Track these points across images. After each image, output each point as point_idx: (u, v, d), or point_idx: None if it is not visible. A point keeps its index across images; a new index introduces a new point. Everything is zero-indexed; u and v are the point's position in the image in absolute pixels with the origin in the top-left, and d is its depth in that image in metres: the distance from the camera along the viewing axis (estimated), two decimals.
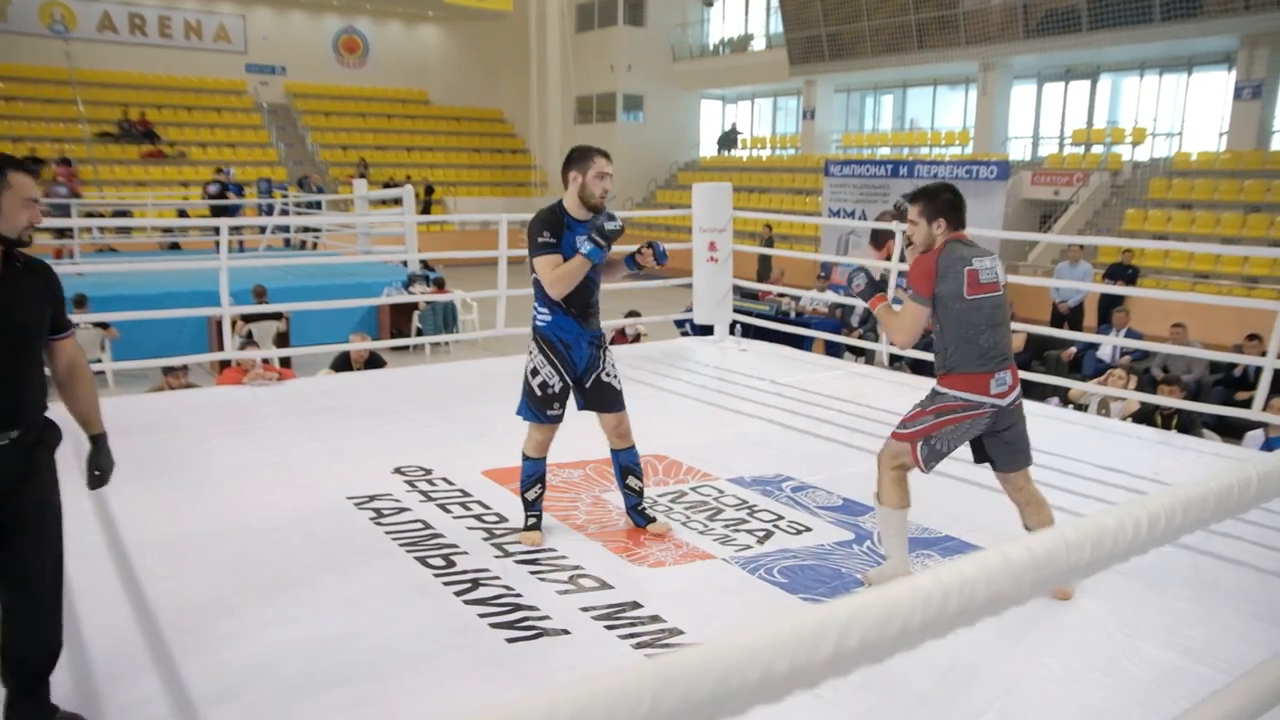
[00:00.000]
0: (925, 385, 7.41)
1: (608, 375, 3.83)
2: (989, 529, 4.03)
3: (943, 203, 3.28)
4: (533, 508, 3.82)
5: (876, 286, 3.52)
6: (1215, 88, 16.89)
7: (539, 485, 3.82)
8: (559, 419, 3.78)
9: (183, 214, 19.26)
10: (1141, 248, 13.48)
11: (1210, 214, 14.61)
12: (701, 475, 4.67)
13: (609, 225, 3.56)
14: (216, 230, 7.11)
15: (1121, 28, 15.98)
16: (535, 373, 3.74)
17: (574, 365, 3.76)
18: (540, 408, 3.74)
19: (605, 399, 3.84)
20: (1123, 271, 12.32)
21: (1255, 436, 6.93)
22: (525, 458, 3.81)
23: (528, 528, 3.79)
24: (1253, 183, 14.72)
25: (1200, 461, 5.16)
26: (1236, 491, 1.41)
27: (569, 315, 3.72)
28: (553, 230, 3.64)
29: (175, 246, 17.24)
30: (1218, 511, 1.38)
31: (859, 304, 10.53)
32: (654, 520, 3.94)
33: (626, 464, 3.93)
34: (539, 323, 3.77)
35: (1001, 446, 3.36)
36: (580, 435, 5.20)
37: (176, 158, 24.20)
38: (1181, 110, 17.54)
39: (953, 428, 3.27)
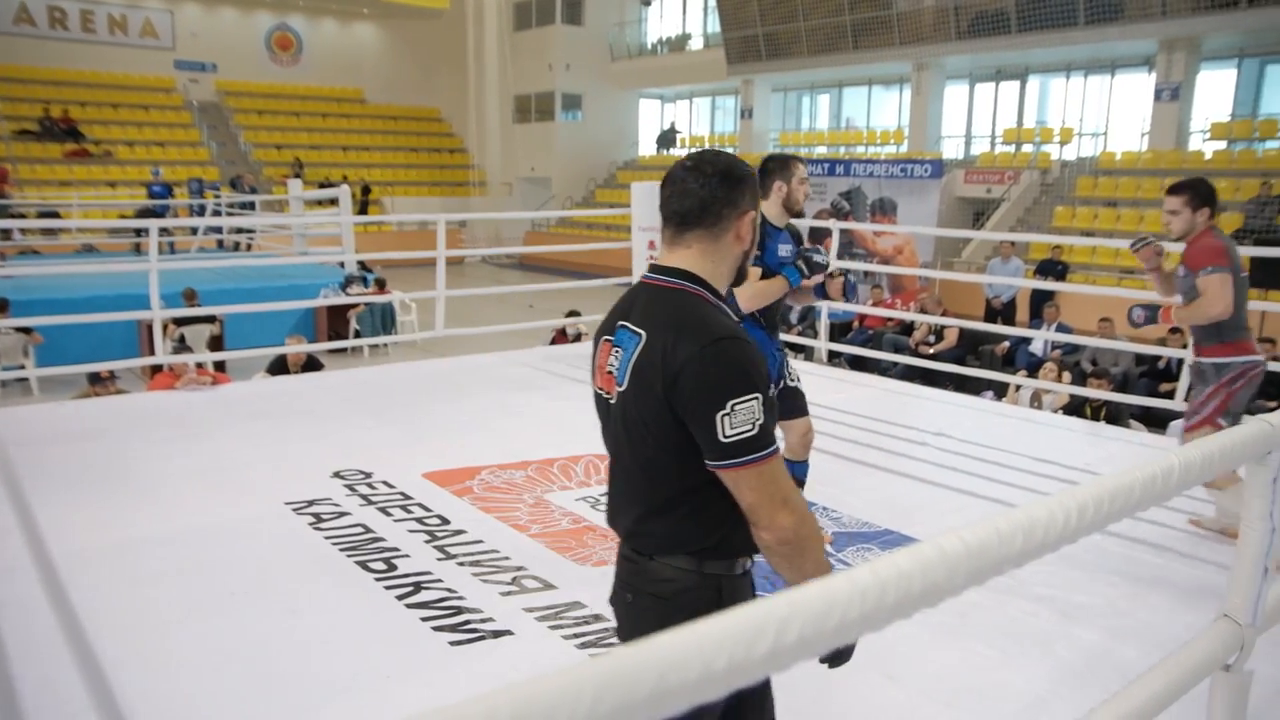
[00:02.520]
0: (863, 381, 7.52)
1: (793, 380, 3.70)
2: (927, 523, 4.10)
3: (1207, 192, 3.66)
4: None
5: (1154, 314, 3.78)
6: (1136, 89, 17.43)
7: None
8: None
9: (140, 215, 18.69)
10: (1070, 244, 13.85)
11: (1134, 211, 15.06)
12: None
13: (817, 259, 3.52)
14: (138, 232, 6.91)
15: (1048, 30, 16.40)
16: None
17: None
18: None
19: (794, 405, 3.67)
20: (1053, 267, 12.65)
21: (1178, 426, 7.16)
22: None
23: None
24: (1172, 181, 15.17)
25: (1127, 452, 5.32)
26: (1160, 480, 1.46)
27: (760, 326, 3.59)
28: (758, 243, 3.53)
29: (90, 249, 16.69)
30: (1143, 499, 1.43)
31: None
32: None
33: (799, 476, 3.70)
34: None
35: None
36: (522, 437, 5.19)
37: (102, 157, 23.51)
38: (1106, 111, 18.06)
39: (1245, 390, 3.65)
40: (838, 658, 1.72)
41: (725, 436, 1.56)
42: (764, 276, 3.56)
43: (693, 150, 1.79)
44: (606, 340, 1.76)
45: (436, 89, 29.84)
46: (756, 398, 1.57)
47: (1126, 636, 3.06)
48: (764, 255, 3.59)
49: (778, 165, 3.66)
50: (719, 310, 1.67)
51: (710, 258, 1.70)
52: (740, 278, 1.80)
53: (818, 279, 3.61)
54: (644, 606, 1.75)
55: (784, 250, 3.59)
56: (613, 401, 1.72)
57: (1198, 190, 3.62)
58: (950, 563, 1.04)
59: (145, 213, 16.45)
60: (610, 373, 1.72)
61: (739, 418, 1.56)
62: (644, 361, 1.63)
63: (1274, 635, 2.69)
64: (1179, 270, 3.76)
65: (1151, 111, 16.47)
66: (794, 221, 3.70)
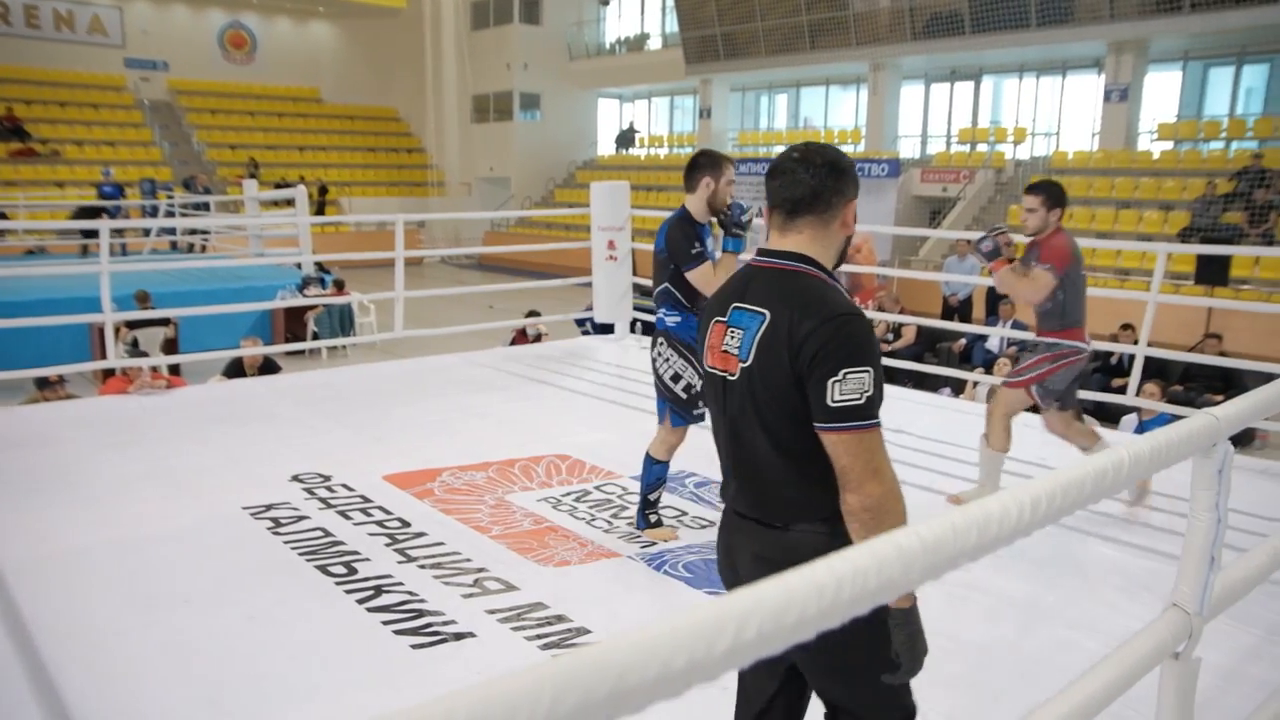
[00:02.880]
0: None
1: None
2: None
3: (1060, 193, 3.95)
4: (654, 507, 3.87)
5: (1000, 251, 4.04)
6: (1087, 90, 17.75)
7: (662, 487, 3.90)
8: (704, 418, 3.76)
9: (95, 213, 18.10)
10: (1025, 242, 14.03)
11: (1086, 210, 15.34)
12: (605, 474, 4.68)
13: (745, 217, 3.68)
14: (85, 234, 6.77)
15: (1001, 31, 16.65)
16: (678, 378, 3.77)
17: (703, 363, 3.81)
18: (689, 409, 3.79)
19: None
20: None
21: (1129, 420, 7.32)
22: (654, 461, 3.82)
23: (654, 525, 3.87)
24: (1122, 180, 15.52)
25: None
26: (1110, 473, 1.48)
27: (696, 314, 3.66)
28: (699, 239, 3.69)
29: (41, 250, 16.31)
30: (1095, 492, 1.45)
31: None
32: None
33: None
34: (670, 325, 3.79)
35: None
36: (483, 439, 5.17)
37: (50, 156, 22.99)
38: (1058, 111, 18.37)
39: (1065, 370, 4.00)
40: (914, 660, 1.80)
41: (833, 401, 1.69)
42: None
43: (799, 144, 1.92)
44: (719, 322, 1.87)
45: (394, 88, 29.60)
46: (869, 371, 1.70)
47: (1079, 627, 3.12)
48: (707, 250, 3.72)
49: (709, 162, 3.71)
50: (836, 290, 1.80)
51: (820, 242, 1.85)
52: (840, 260, 1.92)
53: (753, 232, 3.80)
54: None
55: (710, 242, 3.76)
56: (732, 378, 1.82)
57: (1052, 192, 3.94)
58: (906, 558, 1.05)
59: (83, 213, 16.03)
60: (728, 352, 1.83)
61: (849, 385, 1.69)
62: (769, 337, 1.75)
63: (1220, 623, 2.75)
64: (1031, 258, 4.07)
65: (1101, 112, 16.79)
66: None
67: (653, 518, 3.88)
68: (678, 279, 3.72)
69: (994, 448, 4.13)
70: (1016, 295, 4.22)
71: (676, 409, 3.79)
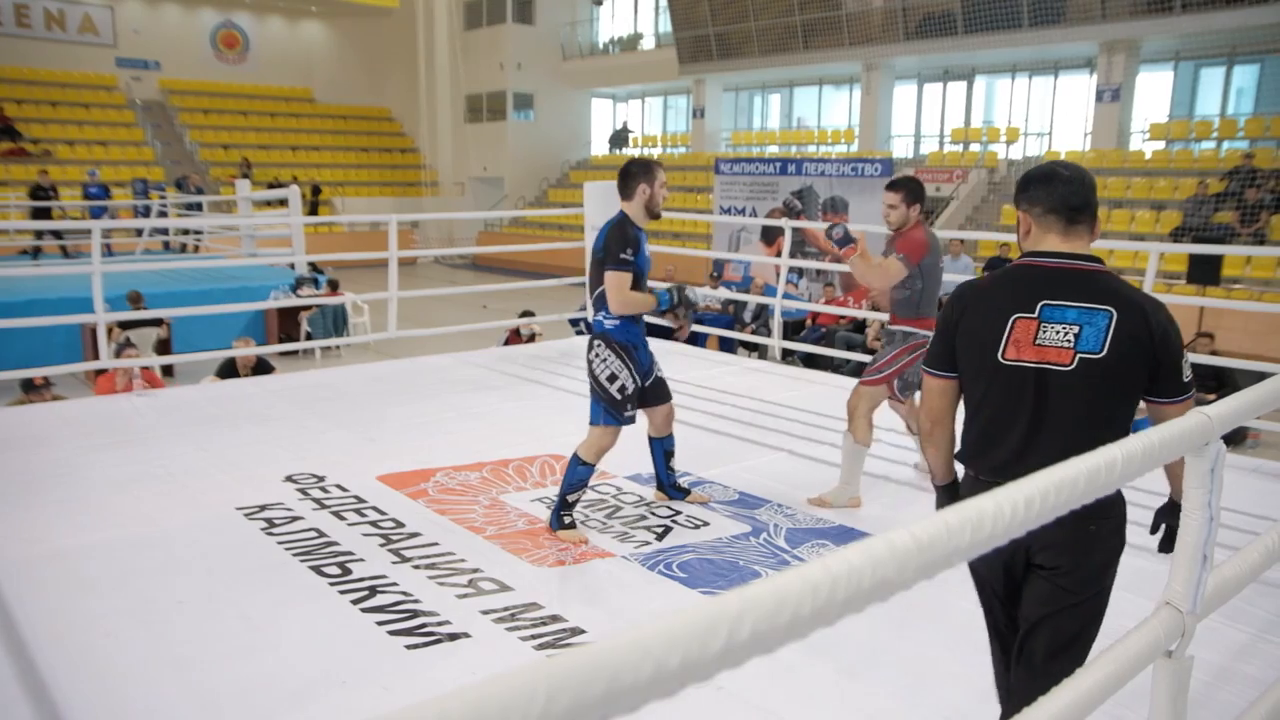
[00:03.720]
0: (815, 379, 7.61)
1: (659, 370, 4.13)
2: (881, 519, 4.15)
3: (919, 190, 4.17)
4: (570, 509, 3.88)
5: (851, 238, 4.11)
6: (1079, 90, 17.79)
7: (583, 490, 3.93)
8: (633, 420, 3.93)
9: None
10: (1018, 241, 14.10)
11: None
12: (599, 474, 4.68)
13: (692, 301, 4.07)
14: (39, 234, 6.74)
15: (994, 32, 16.69)
16: (614, 378, 3.86)
17: (641, 365, 3.93)
18: (620, 410, 3.87)
19: (662, 392, 4.13)
20: (1001, 264, 12.86)
21: None
22: (581, 463, 3.85)
23: (567, 526, 3.85)
24: (1114, 180, 15.57)
25: None
26: (1104, 471, 1.49)
27: (635, 321, 3.94)
28: (633, 247, 3.80)
29: (38, 251, 16.20)
30: (1088, 491, 1.46)
31: (751, 300, 10.71)
32: (689, 491, 4.31)
33: (669, 448, 4.26)
34: (609, 327, 3.88)
35: None
36: (476, 439, 5.16)
37: (41, 156, 22.89)
38: (1050, 111, 18.42)
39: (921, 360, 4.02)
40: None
41: (1186, 377, 2.07)
42: (635, 277, 3.82)
43: (1057, 161, 2.24)
44: (1025, 318, 2.07)
45: (387, 88, 29.55)
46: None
47: None
48: (638, 258, 3.81)
49: (641, 169, 3.85)
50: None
51: (1090, 244, 2.15)
52: None
53: (683, 325, 4.19)
54: (1107, 531, 2.17)
55: (647, 251, 3.90)
56: (1065, 368, 2.04)
57: (911, 189, 4.14)
58: (900, 557, 1.05)
59: (37, 214, 15.90)
60: (1051, 345, 2.04)
61: (1188, 364, 2.08)
62: (1126, 330, 2.02)
63: (1212, 622, 2.76)
64: (889, 249, 4.19)
65: (1093, 112, 16.84)
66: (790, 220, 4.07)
67: (567, 519, 3.87)
68: None
69: (859, 440, 4.25)
70: (867, 282, 4.40)
71: (610, 410, 3.85)
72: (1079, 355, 2.03)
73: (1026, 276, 2.12)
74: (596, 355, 3.87)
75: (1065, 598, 2.13)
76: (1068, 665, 1.96)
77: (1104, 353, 2.02)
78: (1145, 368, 2.04)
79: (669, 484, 4.28)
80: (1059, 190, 2.09)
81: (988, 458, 2.16)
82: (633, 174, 3.83)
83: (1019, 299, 2.08)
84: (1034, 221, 2.15)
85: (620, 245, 3.76)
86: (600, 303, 3.86)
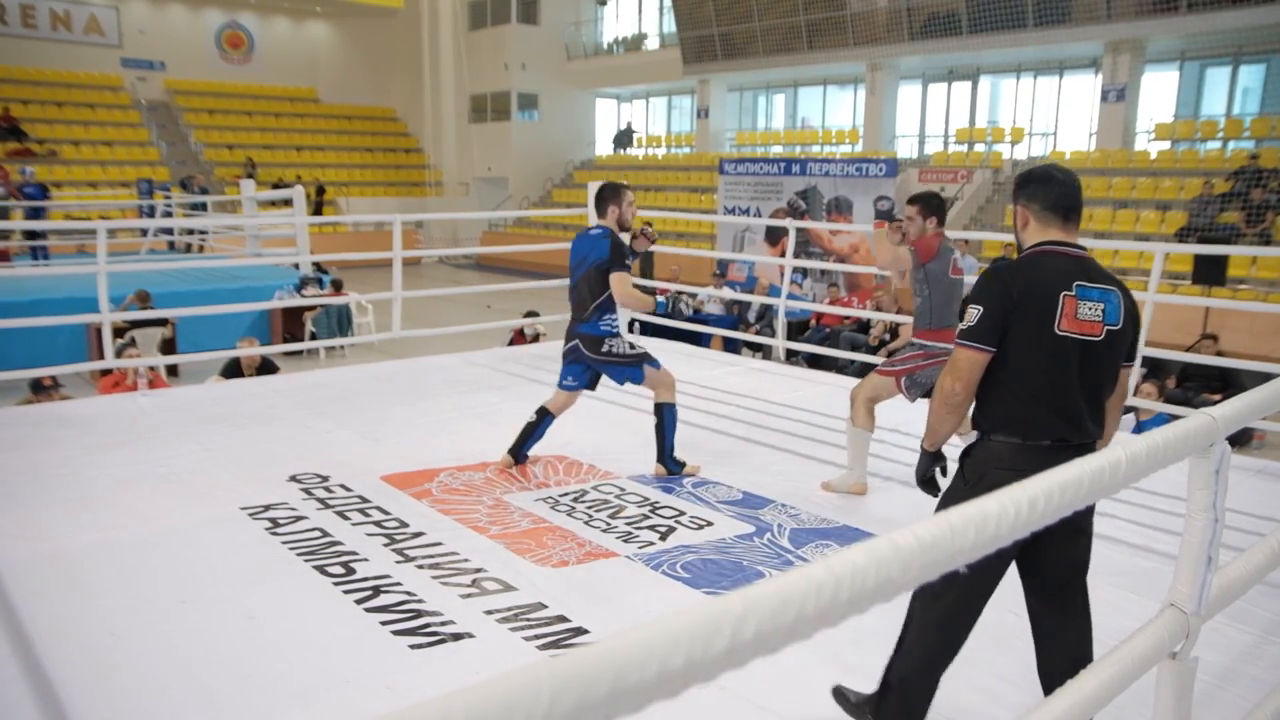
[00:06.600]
0: (819, 379, 7.61)
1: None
2: (885, 519, 4.14)
3: (937, 205, 4.37)
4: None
5: (893, 217, 4.48)
6: (1084, 90, 17.75)
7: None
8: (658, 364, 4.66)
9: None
10: (1015, 234, 14.08)
11: (1084, 209, 15.35)
12: (603, 474, 4.68)
13: (651, 239, 4.93)
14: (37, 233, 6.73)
15: (998, 32, 16.66)
16: (632, 347, 4.59)
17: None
18: (648, 357, 4.58)
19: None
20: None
21: (1127, 420, 7.32)
22: (667, 405, 4.59)
23: (682, 463, 4.66)
24: (1119, 180, 15.54)
25: None
26: (1108, 473, 1.49)
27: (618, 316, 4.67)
28: (628, 252, 4.55)
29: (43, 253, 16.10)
30: (1091, 492, 1.46)
31: (755, 301, 10.72)
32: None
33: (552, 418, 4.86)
34: (614, 330, 4.55)
35: None
36: (480, 439, 5.16)
37: (47, 156, 22.94)
38: (1055, 111, 18.38)
39: (935, 368, 4.23)
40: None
41: (1137, 348, 2.51)
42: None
43: (1052, 164, 2.54)
44: (1070, 296, 2.33)
45: (391, 88, 29.57)
46: None
47: None
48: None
49: (611, 193, 4.58)
50: None
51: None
52: None
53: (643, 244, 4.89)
54: None
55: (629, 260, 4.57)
56: (1097, 339, 2.34)
57: (928, 203, 4.37)
58: (904, 557, 1.05)
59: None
60: (1090, 320, 2.33)
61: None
62: (1127, 307, 2.39)
63: (1217, 623, 2.76)
64: (912, 257, 4.40)
65: (1098, 112, 16.80)
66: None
67: (680, 458, 4.63)
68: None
69: (859, 426, 4.45)
70: (879, 254, 4.68)
71: (645, 361, 4.54)
72: (1106, 328, 2.35)
73: (1057, 261, 2.38)
74: (612, 349, 4.51)
75: (1088, 539, 2.48)
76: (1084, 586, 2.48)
77: (1120, 325, 2.36)
78: (1132, 336, 2.43)
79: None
80: (1057, 190, 2.39)
81: (1042, 422, 2.37)
82: (604, 198, 4.55)
83: (1061, 279, 2.34)
84: (1033, 216, 2.43)
85: (620, 251, 4.40)
86: (605, 308, 4.44)
